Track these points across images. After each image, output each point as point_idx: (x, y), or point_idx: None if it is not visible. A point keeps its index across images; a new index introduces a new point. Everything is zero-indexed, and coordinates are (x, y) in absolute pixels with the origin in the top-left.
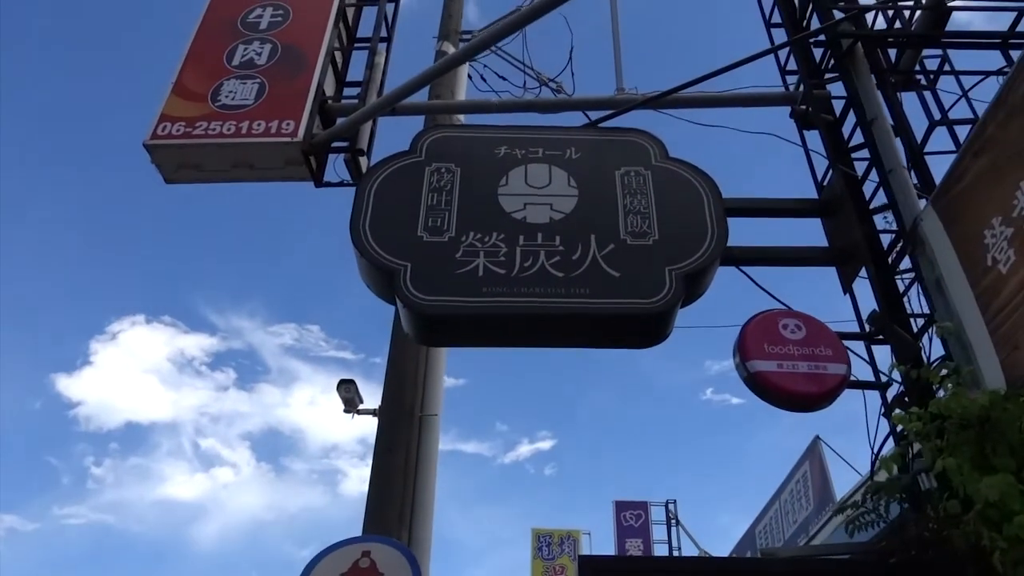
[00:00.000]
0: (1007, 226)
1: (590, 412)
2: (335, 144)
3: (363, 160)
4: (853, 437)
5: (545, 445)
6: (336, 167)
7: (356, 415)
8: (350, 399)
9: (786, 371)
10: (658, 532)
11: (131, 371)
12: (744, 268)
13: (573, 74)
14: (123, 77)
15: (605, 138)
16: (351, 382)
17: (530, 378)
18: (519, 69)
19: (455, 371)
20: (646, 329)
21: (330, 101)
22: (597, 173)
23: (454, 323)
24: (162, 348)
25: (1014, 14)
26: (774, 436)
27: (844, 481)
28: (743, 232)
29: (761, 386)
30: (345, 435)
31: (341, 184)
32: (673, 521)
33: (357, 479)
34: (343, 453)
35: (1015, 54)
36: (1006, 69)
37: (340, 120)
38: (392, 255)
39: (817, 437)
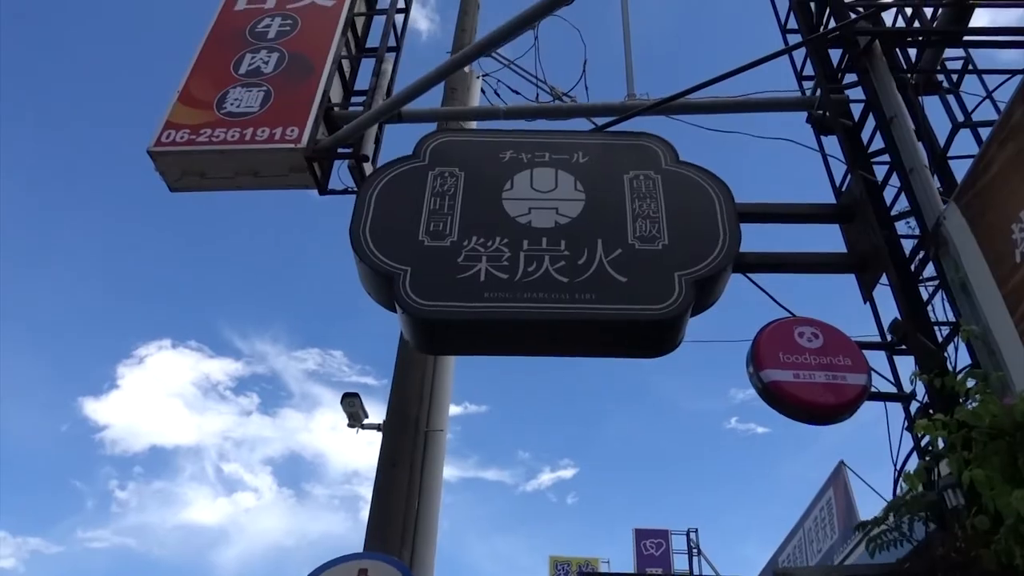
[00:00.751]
0: None
1: (613, 440)
2: (340, 150)
3: (368, 167)
4: (879, 466)
5: (567, 473)
6: (341, 175)
7: (361, 429)
8: (354, 413)
9: (802, 381)
10: (679, 562)
11: (157, 395)
12: (759, 275)
13: (587, 87)
14: (147, 96)
15: (614, 142)
16: (355, 395)
17: (553, 405)
18: (532, 83)
19: (477, 398)
20: (654, 337)
21: (336, 108)
22: (605, 177)
23: (454, 329)
24: (187, 372)
25: None
26: (800, 466)
27: (870, 510)
28: (758, 240)
29: (776, 396)
30: (366, 461)
31: (345, 192)
32: (694, 550)
33: None
34: (364, 479)
35: None
36: None
37: (346, 127)
38: (392, 260)
39: (841, 462)
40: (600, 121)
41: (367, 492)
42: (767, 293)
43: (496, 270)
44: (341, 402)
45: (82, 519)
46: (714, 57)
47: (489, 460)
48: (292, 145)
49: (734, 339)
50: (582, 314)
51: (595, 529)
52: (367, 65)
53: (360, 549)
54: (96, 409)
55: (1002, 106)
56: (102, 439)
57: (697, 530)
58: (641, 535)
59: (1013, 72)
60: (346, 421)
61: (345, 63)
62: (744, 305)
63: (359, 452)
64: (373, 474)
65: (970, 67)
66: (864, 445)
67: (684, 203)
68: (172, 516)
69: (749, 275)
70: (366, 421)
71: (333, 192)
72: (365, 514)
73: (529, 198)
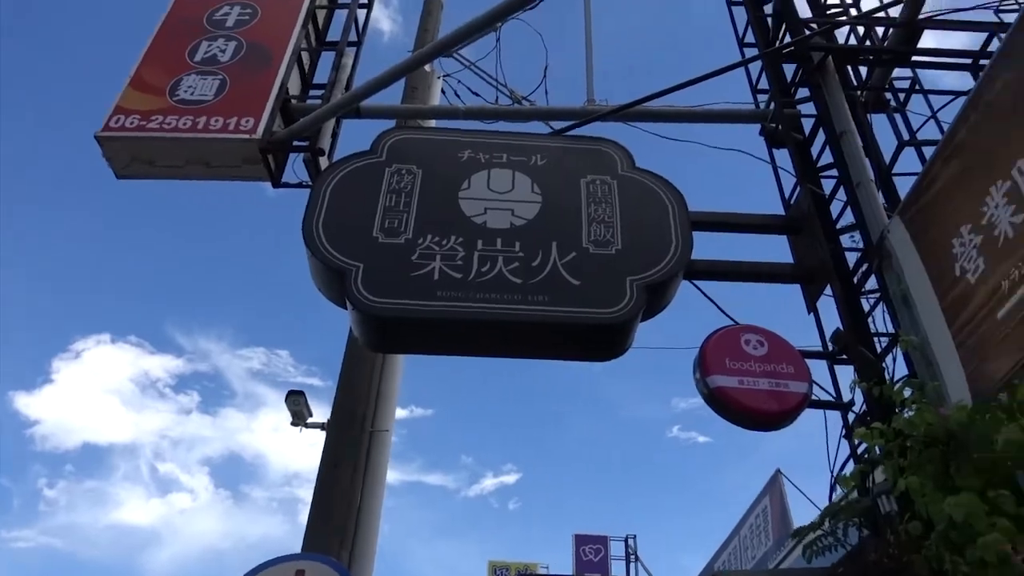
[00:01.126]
0: (976, 234)
1: (557, 445)
2: (296, 143)
3: (323, 161)
4: (815, 474)
5: (510, 479)
6: (296, 168)
7: (304, 428)
8: (298, 411)
9: (747, 387)
10: (617, 568)
11: (93, 391)
12: (708, 283)
13: (547, 92)
14: (98, 91)
15: (572, 146)
16: (300, 394)
17: (498, 410)
18: (492, 85)
19: (423, 401)
20: (605, 340)
21: (294, 101)
22: (562, 180)
23: (406, 327)
24: (126, 368)
25: (986, 34)
26: (740, 475)
27: (805, 517)
28: (703, 247)
29: (721, 402)
30: (307, 463)
31: (300, 185)
32: (632, 557)
33: None
34: (305, 481)
35: None
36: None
37: (303, 119)
38: (344, 255)
39: (778, 470)
40: (559, 125)
41: (307, 495)
42: (712, 301)
43: (450, 269)
44: (286, 400)
45: (7, 518)
46: (674, 67)
47: (433, 464)
48: (247, 136)
49: (679, 346)
50: (535, 316)
51: (536, 534)
52: (327, 59)
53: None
54: (27, 404)
55: (946, 126)
56: (32, 435)
57: (636, 536)
58: (580, 540)
59: (957, 93)
60: (289, 421)
61: (304, 55)
62: (691, 311)
63: (300, 454)
64: (314, 477)
65: (917, 87)
66: (801, 454)
67: (639, 209)
68: (103, 516)
69: (696, 282)
70: (310, 420)
71: (287, 185)
72: (304, 517)
73: (485, 198)
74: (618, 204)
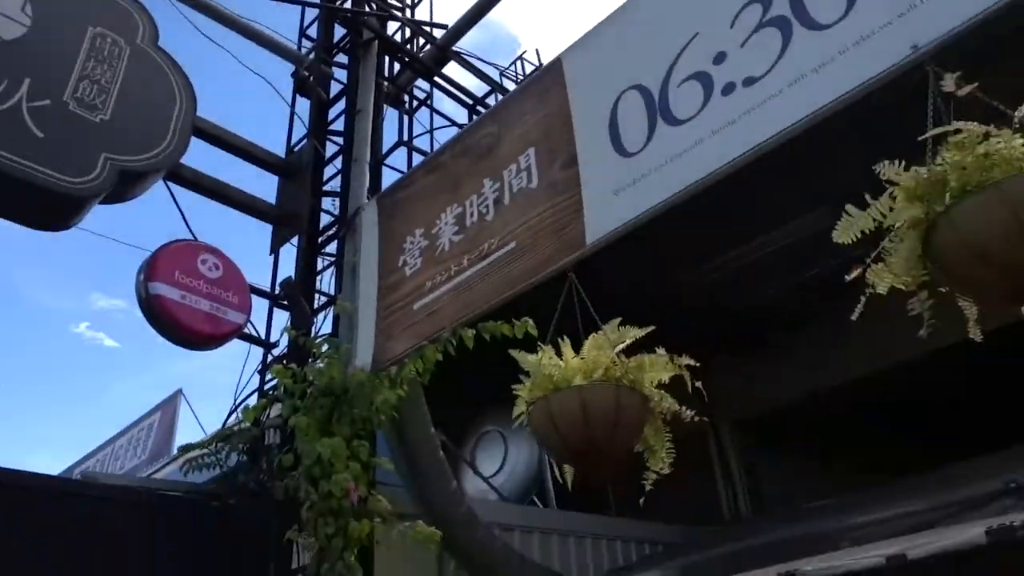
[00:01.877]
0: (425, 239)
1: None
2: None
3: None
4: (215, 401)
5: None
6: None
7: None
8: None
9: (187, 304)
10: None
11: None
12: (182, 190)
13: None
14: None
15: None
16: None
17: None
18: None
19: None
20: (52, 209)
21: None
22: (66, 16)
23: None
24: None
25: (488, 88)
26: (139, 389)
27: (191, 439)
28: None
29: (156, 311)
30: None
31: None
32: None
33: None
34: None
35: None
36: (466, 124)
37: None
38: None
39: (180, 390)
40: None
41: None
42: (181, 212)
43: None
44: None
45: None
46: None
47: None
48: None
49: (123, 240)
50: None
51: None
52: None
53: None
54: None
55: (436, 142)
56: None
57: None
58: None
59: (452, 121)
60: None
61: None
62: (144, 207)
63: None
64: None
65: (428, 102)
66: (204, 378)
67: (144, 88)
68: None
69: (172, 185)
70: None
71: None
72: None
73: None
74: (123, 73)
